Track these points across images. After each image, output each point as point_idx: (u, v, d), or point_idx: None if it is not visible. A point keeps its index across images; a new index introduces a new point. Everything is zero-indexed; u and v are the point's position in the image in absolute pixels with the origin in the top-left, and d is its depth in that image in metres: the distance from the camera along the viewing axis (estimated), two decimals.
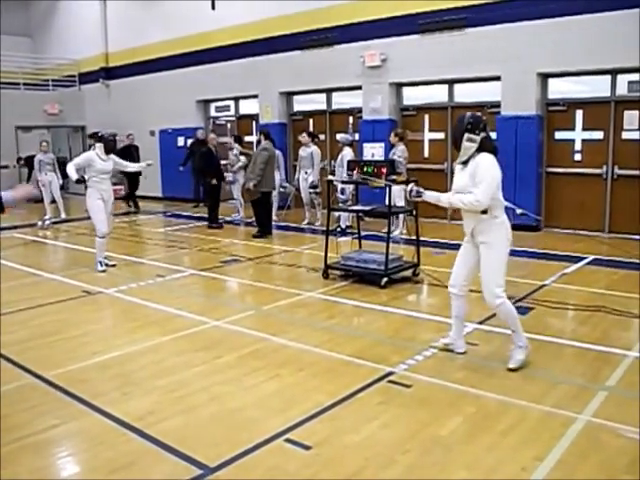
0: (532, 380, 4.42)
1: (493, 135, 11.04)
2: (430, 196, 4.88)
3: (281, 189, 12.45)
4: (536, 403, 4.01)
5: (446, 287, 6.14)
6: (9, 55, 18.74)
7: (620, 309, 6.03)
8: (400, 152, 10.13)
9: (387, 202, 7.29)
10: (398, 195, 9.18)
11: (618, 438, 3.55)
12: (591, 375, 4.51)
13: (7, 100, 17.75)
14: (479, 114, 4.71)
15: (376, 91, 12.55)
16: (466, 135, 4.49)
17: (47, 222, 12.79)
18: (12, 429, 3.77)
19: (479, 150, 4.49)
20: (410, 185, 4.99)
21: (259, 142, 11.41)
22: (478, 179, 4.41)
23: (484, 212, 4.47)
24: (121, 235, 11.25)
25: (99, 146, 8.30)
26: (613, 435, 3.58)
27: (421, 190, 4.90)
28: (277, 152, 12.24)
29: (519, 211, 5.03)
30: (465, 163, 4.56)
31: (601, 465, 3.29)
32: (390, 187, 7.19)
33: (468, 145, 4.50)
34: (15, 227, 12.35)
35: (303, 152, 11.79)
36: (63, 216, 13.52)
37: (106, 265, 8.35)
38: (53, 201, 13.35)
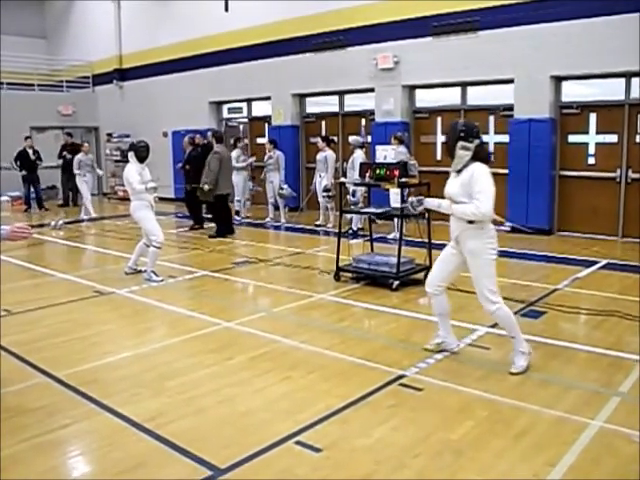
0: (545, 385, 4.39)
1: (506, 138, 11.10)
2: (431, 203, 4.88)
3: (280, 190, 12.36)
4: (549, 408, 3.97)
5: (458, 290, 6.20)
6: (24, 56, 18.98)
7: (634, 314, 5.97)
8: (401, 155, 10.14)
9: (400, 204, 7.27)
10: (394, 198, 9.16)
11: (631, 444, 3.51)
12: (604, 380, 4.46)
13: (22, 101, 17.97)
14: (472, 121, 4.66)
15: (389, 93, 12.54)
16: (460, 143, 4.41)
17: (60, 222, 12.88)
18: (23, 428, 3.79)
19: (473, 158, 4.41)
20: (410, 198, 5.00)
21: (209, 144, 11.43)
22: (477, 189, 4.33)
23: (471, 222, 4.41)
24: (133, 236, 11.28)
25: (131, 155, 7.72)
26: (626, 441, 3.54)
27: (421, 198, 4.91)
28: (278, 153, 12.32)
29: (508, 224, 5.00)
30: (459, 171, 4.48)
31: (614, 471, 3.26)
32: (402, 190, 7.17)
33: (462, 153, 4.42)
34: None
35: (318, 156, 11.90)
36: (93, 215, 14.07)
37: (133, 270, 8.09)
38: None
